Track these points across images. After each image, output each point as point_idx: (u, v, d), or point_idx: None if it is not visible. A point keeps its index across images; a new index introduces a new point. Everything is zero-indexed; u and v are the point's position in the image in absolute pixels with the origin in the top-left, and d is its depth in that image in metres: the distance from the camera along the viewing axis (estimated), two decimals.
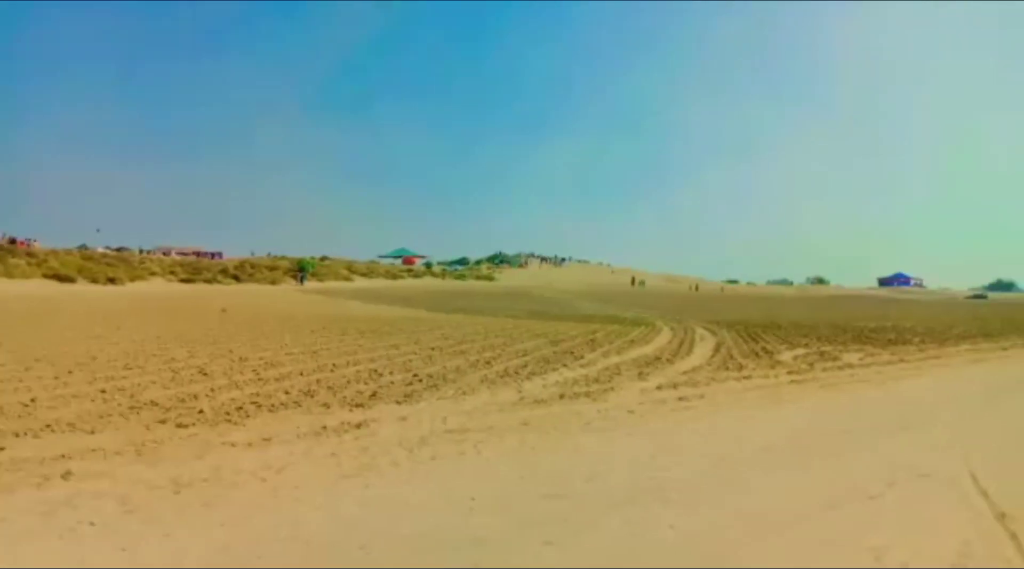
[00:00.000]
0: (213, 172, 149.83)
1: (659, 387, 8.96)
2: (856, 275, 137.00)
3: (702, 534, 3.82)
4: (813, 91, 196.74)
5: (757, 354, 13.09)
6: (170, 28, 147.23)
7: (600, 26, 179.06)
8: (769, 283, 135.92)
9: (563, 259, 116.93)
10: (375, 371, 9.59)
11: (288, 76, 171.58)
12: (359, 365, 10.16)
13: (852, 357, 12.95)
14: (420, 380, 8.87)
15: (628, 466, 5.25)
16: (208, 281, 48.80)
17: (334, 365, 10.05)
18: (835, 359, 12.57)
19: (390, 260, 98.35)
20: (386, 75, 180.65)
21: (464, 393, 8.11)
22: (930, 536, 3.79)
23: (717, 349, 14.00)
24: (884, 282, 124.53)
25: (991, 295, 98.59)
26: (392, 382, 8.71)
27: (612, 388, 8.74)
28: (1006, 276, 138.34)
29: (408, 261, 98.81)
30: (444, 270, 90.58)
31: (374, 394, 7.79)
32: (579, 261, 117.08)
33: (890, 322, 25.93)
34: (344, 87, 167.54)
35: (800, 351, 13.92)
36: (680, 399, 8.18)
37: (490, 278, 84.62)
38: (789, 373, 10.54)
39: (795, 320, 26.00)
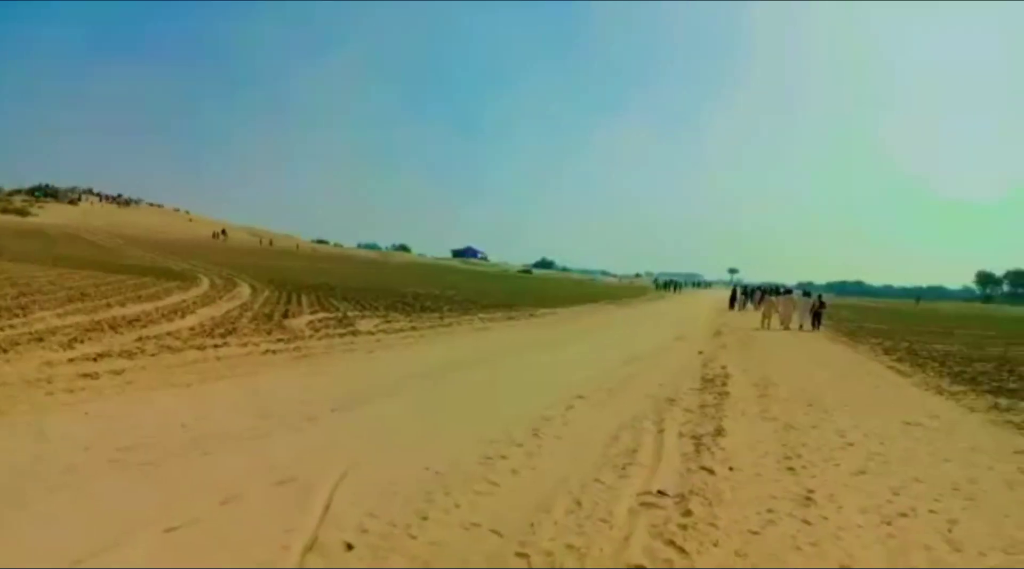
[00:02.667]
0: None
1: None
2: (436, 246, 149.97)
3: None
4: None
5: (270, 317, 12.15)
6: None
7: None
8: (359, 246, 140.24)
9: (133, 200, 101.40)
10: None
11: None
12: None
13: (368, 324, 12.91)
14: None
15: None
16: None
17: None
18: (350, 326, 12.33)
19: None
20: None
21: None
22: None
23: (243, 309, 12.83)
24: (457, 254, 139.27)
25: (535, 271, 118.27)
26: None
27: None
28: (548, 256, 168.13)
29: None
30: None
31: None
32: (151, 204, 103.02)
33: (440, 290, 28.05)
34: None
35: (322, 315, 13.47)
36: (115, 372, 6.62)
37: (24, 213, 68.47)
38: (280, 340, 9.72)
39: (356, 284, 26.29)
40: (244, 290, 18.11)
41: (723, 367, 10.93)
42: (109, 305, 11.43)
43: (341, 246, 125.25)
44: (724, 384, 9.02)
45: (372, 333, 11.75)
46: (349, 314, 14.21)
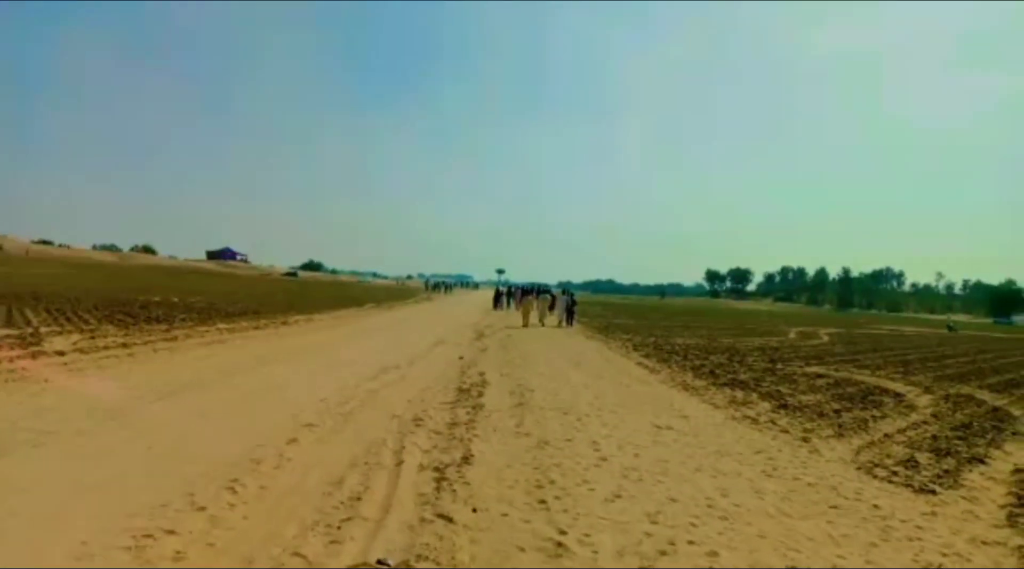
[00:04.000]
0: None
1: None
2: (188, 246, 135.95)
3: None
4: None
5: None
6: None
7: None
8: (95, 248, 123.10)
9: None
10: None
11: None
12: None
13: (64, 342, 10.40)
14: None
15: None
16: None
17: None
18: (34, 345, 9.80)
19: None
20: None
21: None
22: None
23: None
24: (213, 255, 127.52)
25: (301, 274, 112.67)
26: None
27: None
28: (316, 258, 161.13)
29: None
30: None
31: None
32: None
33: (181, 297, 24.76)
34: None
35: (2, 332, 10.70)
36: None
37: None
38: None
39: (74, 292, 22.16)
40: None
41: (481, 374, 10.38)
42: None
43: (68, 247, 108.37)
44: (480, 394, 8.39)
45: (63, 354, 9.38)
46: (41, 329, 11.45)
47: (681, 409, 8.24)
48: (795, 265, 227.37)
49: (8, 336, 10.48)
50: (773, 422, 7.70)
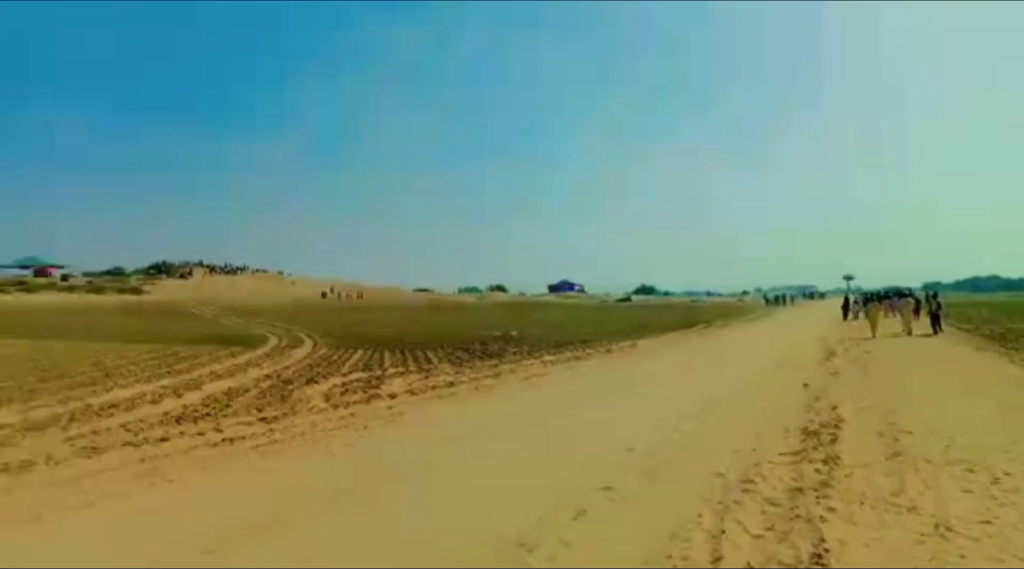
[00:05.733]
0: None
1: None
2: (532, 282, 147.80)
3: None
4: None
5: (288, 384, 10.53)
6: None
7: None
8: (460, 291, 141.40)
9: (238, 268, 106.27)
10: None
11: None
12: None
13: (400, 383, 11.08)
14: None
15: None
16: None
17: None
18: (375, 387, 10.56)
19: (15, 271, 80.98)
20: None
21: None
22: None
23: (265, 378, 11.35)
24: (553, 288, 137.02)
25: (635, 298, 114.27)
26: None
27: None
28: (648, 282, 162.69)
29: (42, 272, 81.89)
30: (72, 281, 75.88)
31: None
32: (256, 271, 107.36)
33: (518, 329, 26.11)
34: None
35: (355, 375, 11.86)
36: None
37: (138, 291, 72.41)
38: (263, 420, 7.95)
39: (430, 332, 24.86)
40: (299, 352, 16.92)
41: (833, 407, 8.27)
42: (112, 387, 10.20)
43: (432, 292, 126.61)
44: (834, 439, 6.45)
45: (394, 396, 9.89)
46: (386, 371, 12.51)
47: None
48: None
49: (358, 380, 11.54)
50: None
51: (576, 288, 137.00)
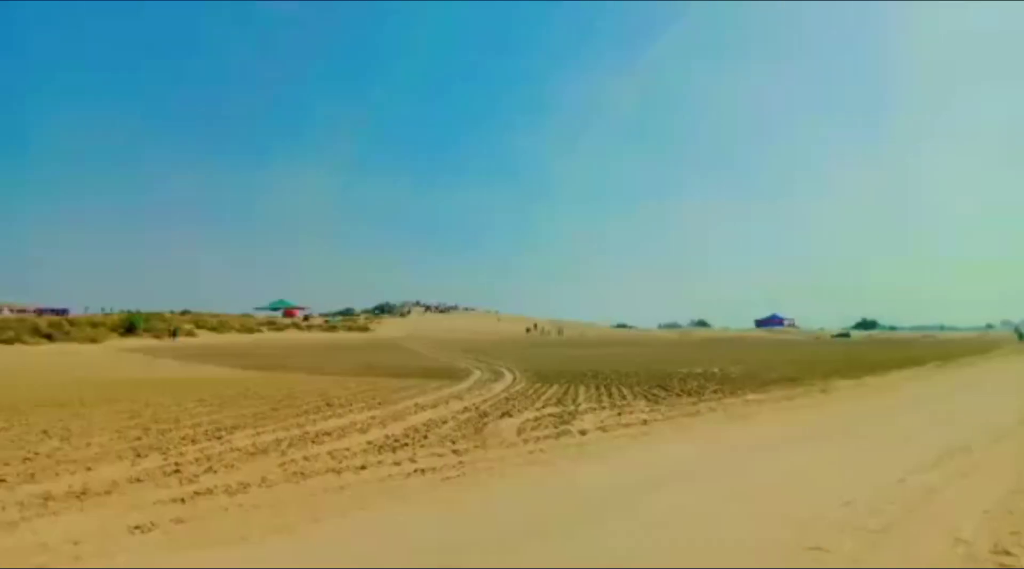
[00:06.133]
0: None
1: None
2: (738, 317, 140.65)
3: None
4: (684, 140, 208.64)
5: (483, 417, 10.76)
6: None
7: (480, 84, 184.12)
8: (660, 327, 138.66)
9: (450, 307, 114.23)
10: None
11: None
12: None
13: (592, 419, 10.84)
14: None
15: None
16: (8, 342, 42.66)
17: None
18: (566, 423, 10.42)
19: (268, 312, 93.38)
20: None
21: None
22: None
23: (461, 412, 11.76)
24: (760, 323, 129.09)
25: (854, 333, 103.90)
26: None
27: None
28: (869, 315, 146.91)
29: (289, 313, 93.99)
30: (311, 321, 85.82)
31: None
32: (466, 308, 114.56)
33: (718, 367, 24.73)
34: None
35: (548, 410, 11.86)
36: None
37: (364, 329, 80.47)
38: (455, 453, 8.13)
39: (627, 368, 24.39)
40: (498, 385, 17.40)
41: None
42: (330, 416, 11.14)
43: (630, 327, 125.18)
44: None
45: (584, 433, 9.67)
46: (579, 407, 12.36)
47: None
48: None
49: (551, 414, 11.48)
50: None
51: (786, 322, 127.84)
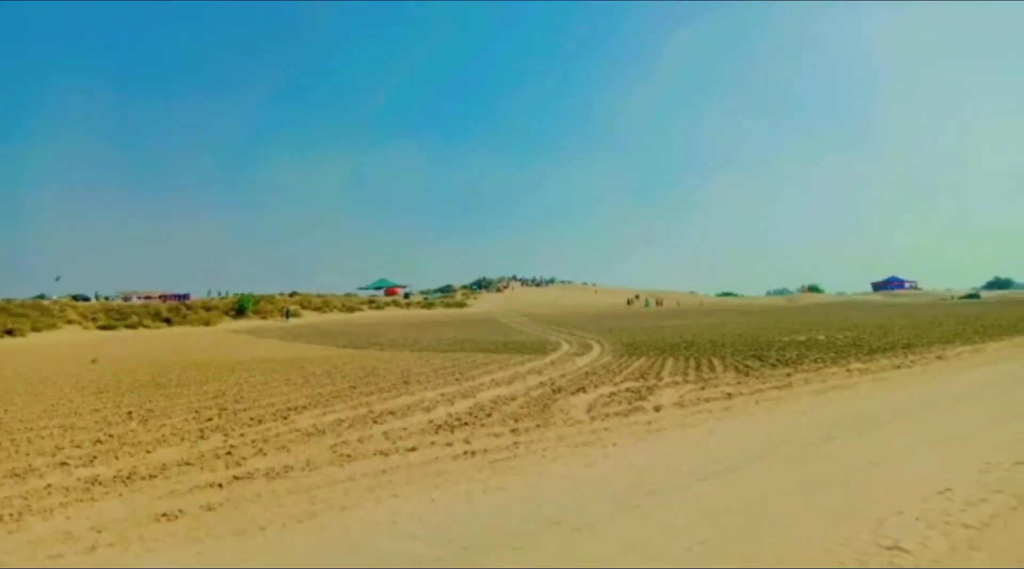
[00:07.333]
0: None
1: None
2: (855, 280, 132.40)
3: None
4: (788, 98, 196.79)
5: (556, 392, 10.25)
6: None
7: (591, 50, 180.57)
8: (768, 294, 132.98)
9: (547, 281, 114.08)
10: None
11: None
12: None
13: (671, 394, 10.09)
14: None
15: None
16: (132, 326, 46.06)
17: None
18: (642, 399, 9.74)
19: (371, 292, 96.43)
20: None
21: None
22: None
23: (537, 386, 11.31)
24: (878, 287, 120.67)
25: (984, 294, 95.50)
26: None
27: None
28: (1003, 274, 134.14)
29: (391, 292, 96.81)
30: (411, 299, 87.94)
31: None
32: (563, 282, 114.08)
33: (824, 334, 23.03)
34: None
35: (626, 385, 11.17)
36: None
37: (461, 305, 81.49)
38: (530, 429, 7.67)
39: (723, 338, 23.18)
40: (583, 359, 16.85)
41: None
42: (401, 394, 10.99)
43: (735, 295, 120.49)
44: None
45: (659, 409, 8.97)
46: (660, 381, 11.62)
47: None
48: None
49: (628, 389, 10.82)
50: None
51: (907, 285, 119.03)
